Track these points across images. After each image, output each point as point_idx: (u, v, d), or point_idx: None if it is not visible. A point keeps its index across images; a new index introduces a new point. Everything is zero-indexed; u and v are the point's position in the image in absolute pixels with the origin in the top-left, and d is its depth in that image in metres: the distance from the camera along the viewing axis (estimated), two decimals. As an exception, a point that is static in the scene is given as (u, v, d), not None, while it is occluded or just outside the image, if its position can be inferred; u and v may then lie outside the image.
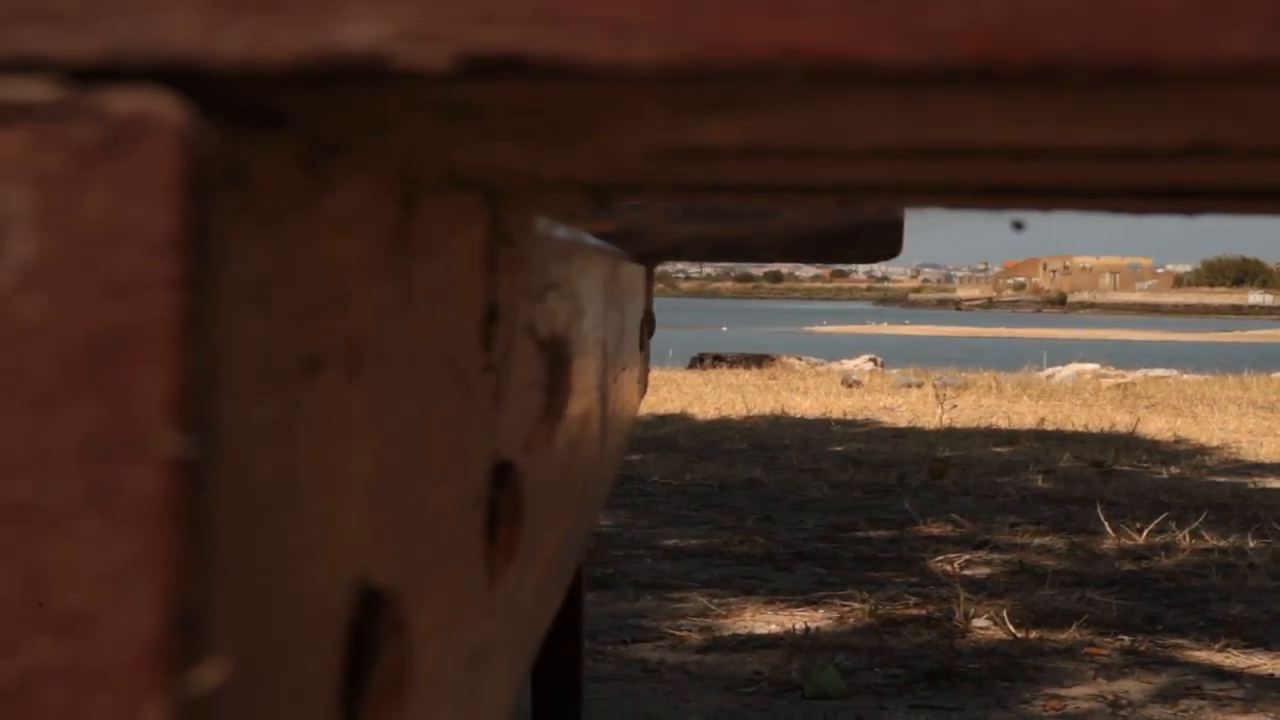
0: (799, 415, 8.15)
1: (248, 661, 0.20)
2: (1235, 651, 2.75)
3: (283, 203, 0.21)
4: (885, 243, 1.14)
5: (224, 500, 0.19)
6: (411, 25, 0.18)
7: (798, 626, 2.91)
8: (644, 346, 1.48)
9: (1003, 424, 7.91)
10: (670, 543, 3.88)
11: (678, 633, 2.88)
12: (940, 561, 3.62)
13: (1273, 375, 13.40)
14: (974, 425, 7.81)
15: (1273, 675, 2.61)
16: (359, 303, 0.25)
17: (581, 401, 0.60)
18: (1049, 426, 7.85)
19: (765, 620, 3.00)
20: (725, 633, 2.89)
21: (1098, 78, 0.18)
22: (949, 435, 7.26)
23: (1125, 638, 2.83)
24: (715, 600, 3.16)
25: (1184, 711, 2.38)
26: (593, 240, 0.74)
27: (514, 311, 0.43)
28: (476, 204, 0.36)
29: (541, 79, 0.19)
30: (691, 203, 0.66)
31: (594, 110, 0.21)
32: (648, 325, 1.51)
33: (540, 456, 0.49)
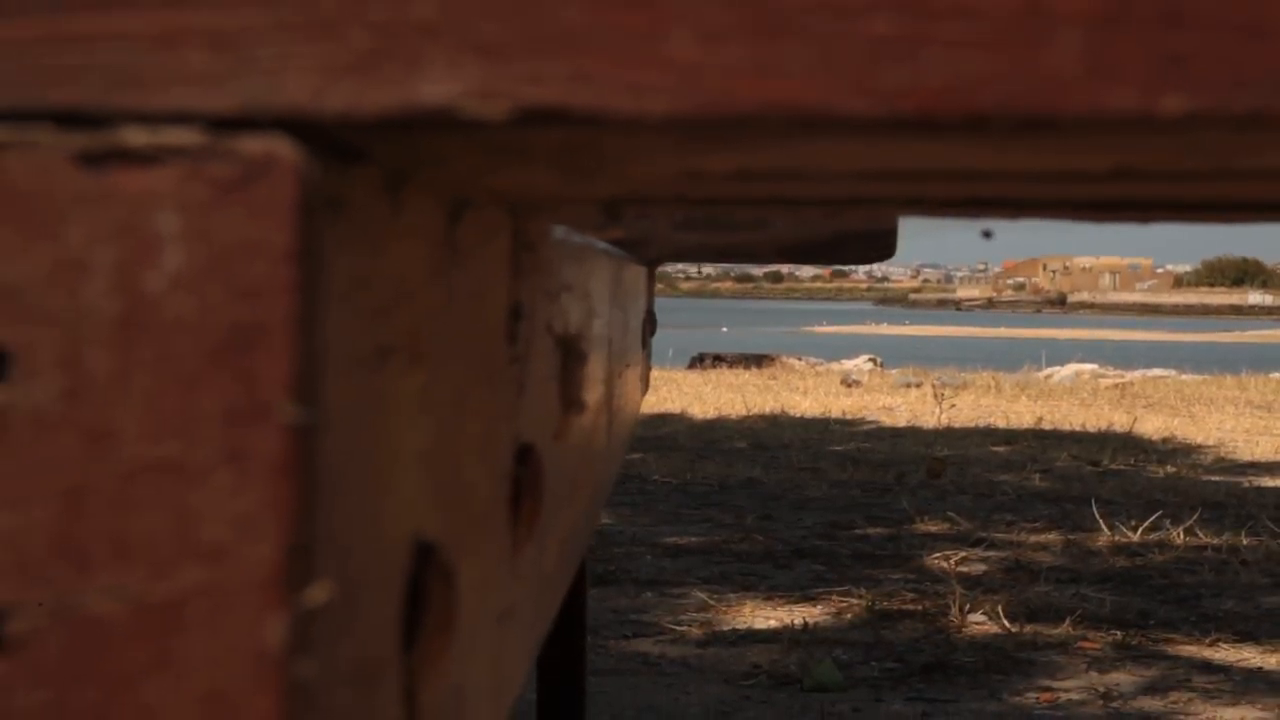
0: (798, 415, 8.18)
1: (337, 592, 0.25)
2: (1225, 645, 2.80)
3: (366, 221, 0.26)
4: (879, 246, 1.19)
5: (323, 460, 0.24)
6: (477, 85, 0.23)
7: (796, 622, 2.95)
8: (646, 345, 1.53)
9: (1001, 423, 7.94)
10: (670, 540, 3.92)
11: (678, 628, 2.92)
12: (937, 558, 3.66)
13: (1271, 375, 13.44)
14: (972, 425, 7.85)
15: (1261, 668, 2.66)
16: (418, 302, 0.30)
17: (591, 394, 0.65)
18: (1047, 426, 7.88)
19: (764, 616, 3.05)
20: (725, 628, 2.94)
21: (1015, 127, 0.23)
22: (947, 435, 7.29)
23: (1118, 632, 2.87)
24: (715, 596, 3.21)
25: (1173, 703, 2.43)
26: (600, 244, 0.79)
27: (534, 310, 0.48)
28: (505, 217, 0.41)
29: (576, 126, 0.23)
30: (691, 213, 0.70)
31: (616, 149, 0.26)
32: (649, 324, 1.56)
33: (556, 442, 0.54)
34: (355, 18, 0.23)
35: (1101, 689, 2.51)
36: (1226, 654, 2.75)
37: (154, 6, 0.23)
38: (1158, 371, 14.08)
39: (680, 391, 9.55)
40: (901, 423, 7.98)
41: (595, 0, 0.23)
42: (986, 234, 0.49)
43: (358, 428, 0.26)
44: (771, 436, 6.85)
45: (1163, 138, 0.24)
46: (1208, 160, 0.27)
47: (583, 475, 0.66)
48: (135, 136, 0.23)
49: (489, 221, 0.39)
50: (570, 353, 0.57)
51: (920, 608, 3.08)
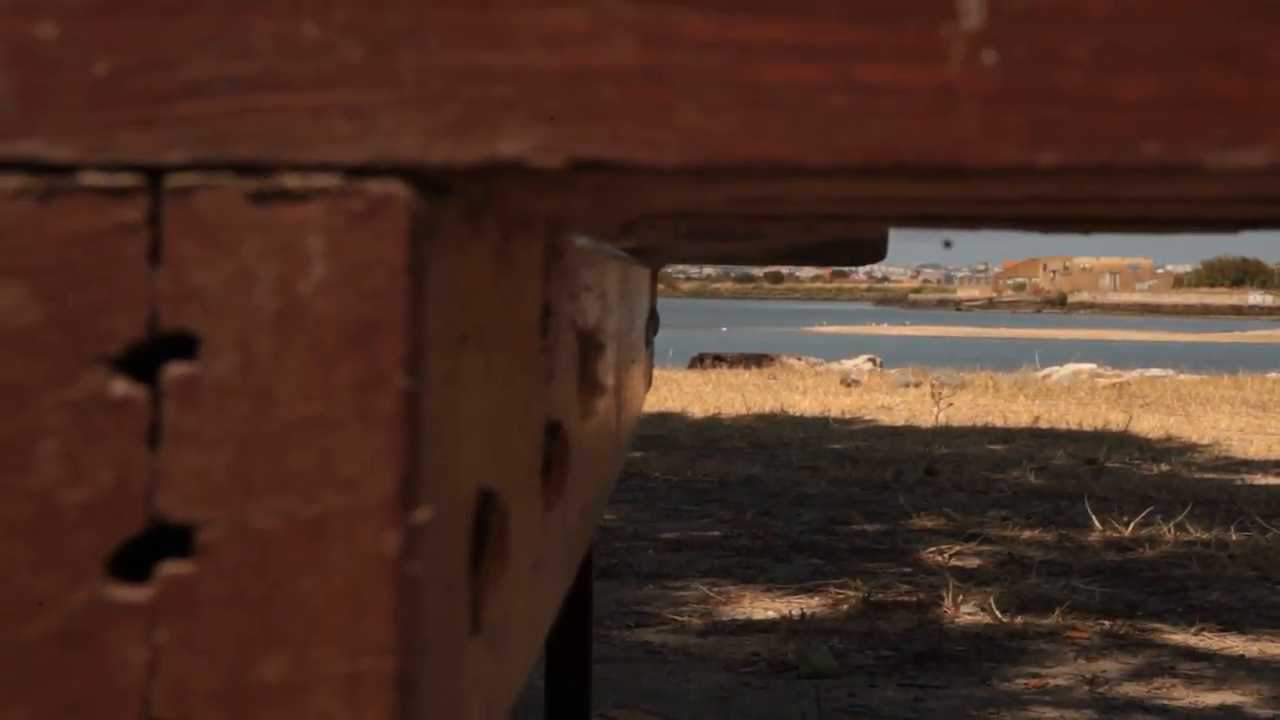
0: (798, 414, 8.25)
1: (432, 517, 0.33)
2: (1210, 635, 2.89)
3: (453, 242, 0.34)
4: (868, 251, 1.28)
5: (423, 417, 0.32)
6: (540, 143, 0.31)
7: (794, 612, 3.03)
8: (649, 343, 1.61)
9: (998, 422, 8.01)
10: (672, 535, 4.01)
11: (679, 618, 3.01)
12: (931, 552, 3.75)
13: (1267, 375, 13.50)
14: (970, 424, 7.91)
15: (1243, 656, 2.74)
16: (482, 301, 0.39)
17: (605, 382, 0.73)
18: (1043, 425, 7.94)
19: (763, 607, 3.13)
20: (725, 618, 3.02)
21: (931, 174, 0.32)
22: (945, 433, 7.36)
23: (1106, 622, 2.95)
24: (715, 589, 3.29)
25: (1157, 689, 2.51)
26: (610, 249, 0.87)
27: (560, 309, 0.57)
28: (540, 232, 0.50)
29: (611, 172, 0.32)
30: (695, 226, 0.79)
31: (638, 186, 0.35)
32: (652, 323, 1.65)
33: (578, 421, 0.63)
34: (452, 95, 0.31)
35: (1088, 676, 2.59)
36: (1211, 643, 2.83)
37: (308, 87, 0.31)
38: (1155, 371, 14.16)
39: (680, 391, 9.62)
40: (900, 422, 8.04)
41: (626, 83, 0.31)
42: (947, 244, 0.57)
43: (443, 395, 0.35)
44: (771, 435, 6.93)
45: (1046, 179, 0.33)
46: (1087, 192, 0.35)
47: (598, 453, 0.74)
48: (292, 181, 0.31)
49: (529, 237, 0.47)
50: (588, 345, 0.66)
51: (914, 599, 3.16)
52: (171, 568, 0.31)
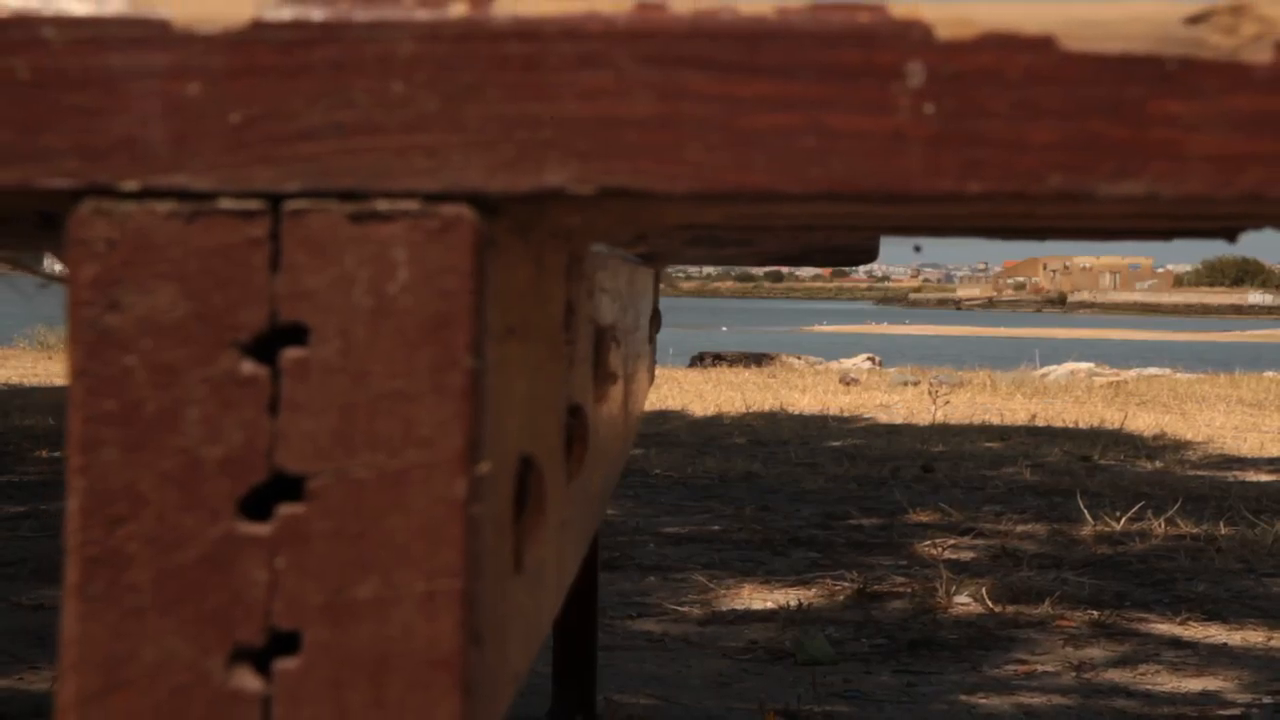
0: (797, 412, 8.33)
1: (489, 473, 0.42)
2: (1195, 624, 2.97)
3: (506, 253, 0.43)
4: (857, 254, 1.36)
5: (484, 392, 0.41)
6: (577, 174, 0.40)
7: (791, 603, 3.12)
8: (652, 340, 1.70)
9: (995, 420, 8.08)
10: (672, 530, 4.09)
11: (680, 608, 3.09)
12: (926, 546, 3.83)
13: (1264, 374, 13.58)
14: (967, 422, 7.99)
15: (1226, 644, 2.83)
16: (523, 300, 0.47)
17: (616, 372, 0.82)
18: (1040, 423, 8.01)
19: (761, 598, 3.21)
20: (724, 608, 3.10)
21: (883, 200, 0.40)
22: (943, 431, 7.43)
23: (1094, 612, 3.04)
24: (715, 580, 3.37)
25: (1142, 674, 2.60)
26: (620, 253, 0.96)
27: (580, 307, 0.65)
28: (565, 241, 0.58)
29: (632, 197, 0.40)
30: (697, 234, 0.87)
31: (652, 207, 0.43)
32: (655, 321, 1.74)
33: (594, 405, 0.71)
34: (507, 138, 0.40)
35: (1076, 662, 2.67)
36: (1195, 632, 2.92)
37: (395, 131, 0.40)
38: (1152, 370, 14.24)
39: (681, 389, 9.70)
40: (898, 420, 8.11)
41: (644, 128, 0.40)
42: (916, 248, 0.65)
43: (496, 375, 0.43)
44: (770, 433, 7.00)
45: (975, 203, 0.41)
46: (1009, 213, 0.44)
47: (610, 434, 0.83)
48: (382, 205, 0.40)
49: (556, 246, 0.56)
50: (602, 339, 0.75)
51: (909, 590, 3.24)
52: (287, 509, 0.40)
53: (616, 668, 2.57)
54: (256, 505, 0.40)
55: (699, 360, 13.52)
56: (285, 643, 0.40)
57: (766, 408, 8.56)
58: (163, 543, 0.40)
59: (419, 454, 0.40)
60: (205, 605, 0.40)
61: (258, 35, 0.39)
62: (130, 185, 0.39)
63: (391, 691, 0.39)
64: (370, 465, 0.40)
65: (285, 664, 0.40)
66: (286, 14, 0.39)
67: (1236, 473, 5.91)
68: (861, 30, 0.40)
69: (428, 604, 0.40)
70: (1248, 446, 7.00)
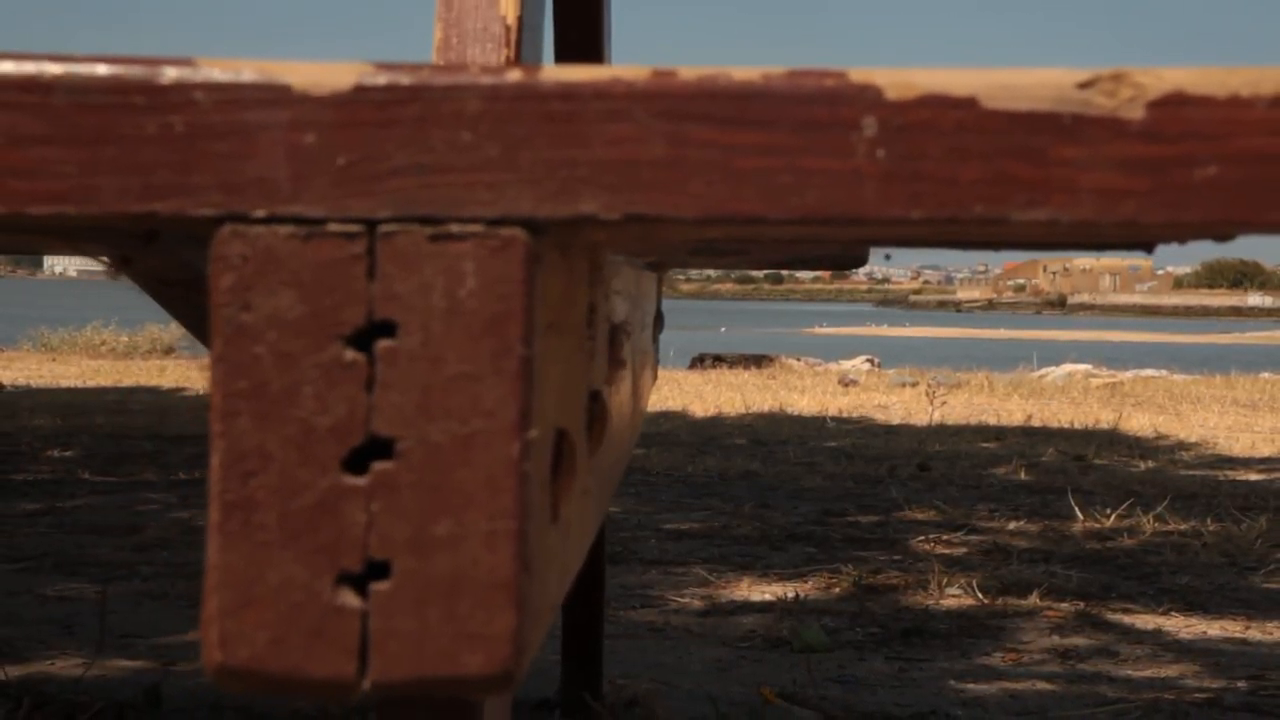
0: (796, 413, 8.43)
1: (536, 439, 0.53)
2: (1176, 615, 3.09)
3: (548, 265, 0.54)
4: (846, 260, 1.48)
5: (533, 374, 0.52)
6: (605, 204, 0.51)
7: (788, 594, 3.23)
8: (656, 339, 1.82)
9: (992, 421, 8.18)
10: (673, 526, 4.20)
11: (681, 600, 3.20)
12: (921, 541, 3.94)
13: (1259, 375, 13.67)
14: (964, 422, 8.09)
15: (1205, 633, 2.94)
16: (558, 302, 0.59)
17: (628, 364, 0.93)
18: (1036, 423, 8.11)
19: (760, 590, 3.32)
20: (723, 600, 3.21)
21: (846, 223, 0.51)
22: (940, 431, 7.53)
23: (1080, 603, 3.15)
24: (715, 574, 3.48)
25: (1123, 660, 2.71)
26: (632, 259, 1.07)
27: (599, 306, 0.77)
28: (589, 252, 0.70)
29: (648, 221, 0.52)
30: (698, 244, 0.98)
31: (663, 228, 0.54)
32: (659, 321, 1.85)
33: (610, 392, 0.83)
34: (551, 176, 0.51)
35: (1061, 650, 2.79)
36: (1176, 622, 3.03)
37: (464, 171, 0.51)
38: (1149, 372, 14.35)
39: (681, 390, 9.79)
40: (896, 420, 8.21)
41: (658, 168, 0.51)
42: (887, 255, 0.76)
43: (540, 361, 0.55)
44: (769, 433, 7.11)
45: (918, 226, 0.53)
46: (946, 233, 0.55)
47: (621, 422, 0.94)
48: (455, 228, 0.51)
49: (583, 257, 0.67)
50: (616, 335, 0.86)
51: (902, 583, 3.36)
52: (380, 465, 0.51)
53: (620, 655, 2.68)
54: (356, 462, 0.51)
55: (699, 362, 13.61)
56: (379, 569, 0.51)
57: (766, 408, 8.65)
58: (284, 491, 0.51)
59: (483, 422, 0.51)
60: (317, 540, 0.51)
61: (359, 96, 0.50)
62: (260, 213, 0.50)
63: (461, 607, 0.51)
64: (445, 431, 0.51)
65: (379, 586, 0.51)
66: (381, 79, 0.51)
67: (1228, 472, 6.01)
68: (828, 92, 0.51)
69: (490, 540, 0.51)
70: (1239, 446, 7.09)
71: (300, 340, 0.51)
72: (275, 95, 0.50)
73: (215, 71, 0.50)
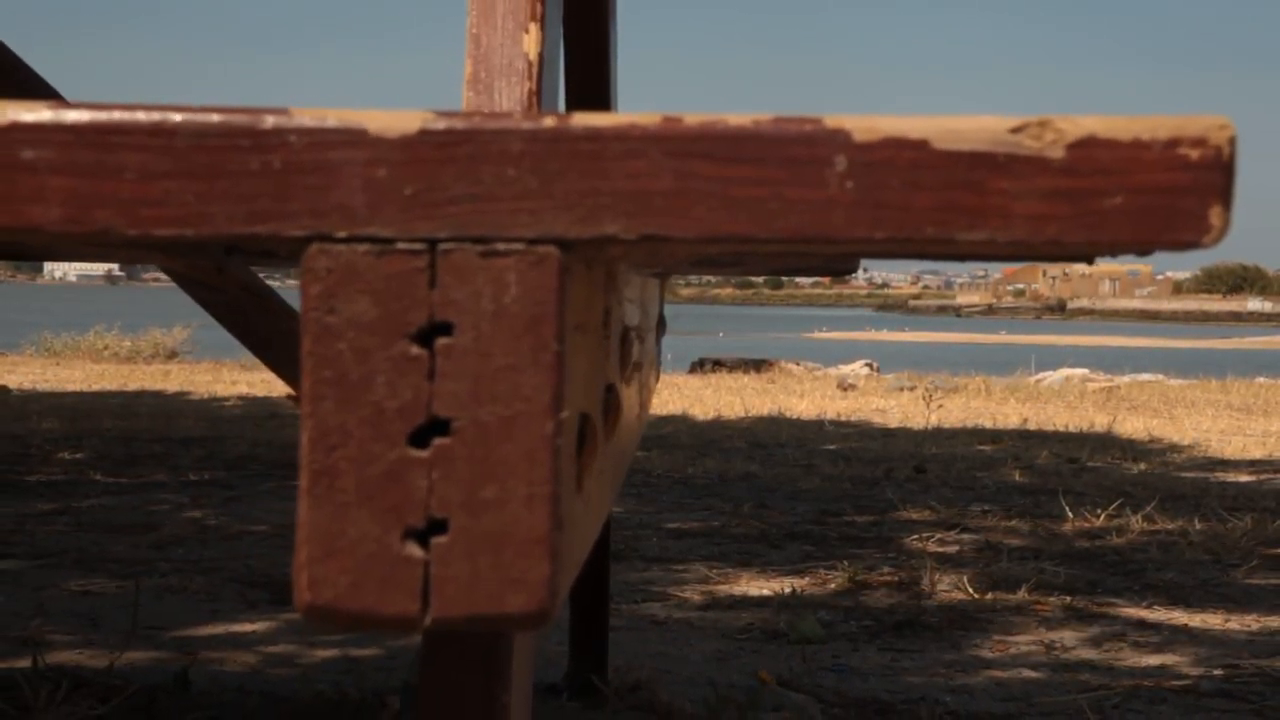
0: (795, 416, 8.53)
1: (567, 419, 0.64)
2: (1160, 609, 3.20)
3: (576, 276, 0.65)
4: (836, 267, 1.59)
5: (564, 366, 0.63)
6: (624, 226, 0.62)
7: (785, 589, 3.34)
8: (658, 342, 1.93)
9: (988, 424, 8.28)
10: (674, 525, 4.31)
11: (682, 595, 3.31)
12: (915, 540, 4.05)
13: (1255, 380, 13.77)
14: (961, 425, 8.19)
15: (1187, 626, 3.05)
16: (582, 307, 0.70)
17: (637, 362, 1.05)
18: (1032, 426, 8.22)
19: (758, 586, 3.43)
20: (723, 595, 3.32)
21: (822, 242, 0.62)
22: (936, 434, 7.63)
23: (1068, 598, 3.26)
24: (714, 570, 3.59)
25: (1107, 651, 2.82)
26: (641, 270, 1.19)
27: (613, 310, 0.88)
28: (606, 264, 0.81)
29: (658, 240, 0.63)
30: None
31: (671, 245, 0.66)
32: (661, 326, 1.96)
33: (622, 386, 0.94)
34: (580, 204, 0.62)
35: (1048, 642, 2.90)
36: (1160, 615, 3.14)
37: (509, 199, 0.62)
38: (1145, 376, 14.46)
39: (681, 394, 9.89)
40: (893, 424, 8.31)
41: (667, 196, 0.62)
42: (863, 268, 0.86)
43: (569, 356, 0.66)
44: (769, 436, 7.22)
45: (881, 244, 0.64)
46: (906, 249, 0.66)
47: (630, 416, 1.06)
48: (501, 246, 0.62)
49: (600, 268, 0.79)
50: (627, 336, 0.97)
51: (896, 579, 3.47)
52: (439, 441, 0.62)
53: (623, 646, 2.79)
54: (420, 438, 0.62)
55: (699, 366, 13.70)
56: (438, 526, 0.62)
57: (765, 412, 8.75)
58: (361, 461, 0.62)
59: (523, 406, 0.62)
60: (387, 501, 0.62)
61: (423, 138, 0.62)
62: (342, 234, 0.62)
63: (506, 557, 0.62)
64: (492, 413, 0.62)
65: (439, 540, 0.62)
66: (441, 124, 0.62)
67: (1218, 474, 6.11)
68: (806, 134, 0.62)
69: (529, 502, 0.62)
70: (1231, 449, 7.19)
71: (374, 338, 0.62)
72: (354, 138, 0.62)
73: (306, 119, 0.62)
